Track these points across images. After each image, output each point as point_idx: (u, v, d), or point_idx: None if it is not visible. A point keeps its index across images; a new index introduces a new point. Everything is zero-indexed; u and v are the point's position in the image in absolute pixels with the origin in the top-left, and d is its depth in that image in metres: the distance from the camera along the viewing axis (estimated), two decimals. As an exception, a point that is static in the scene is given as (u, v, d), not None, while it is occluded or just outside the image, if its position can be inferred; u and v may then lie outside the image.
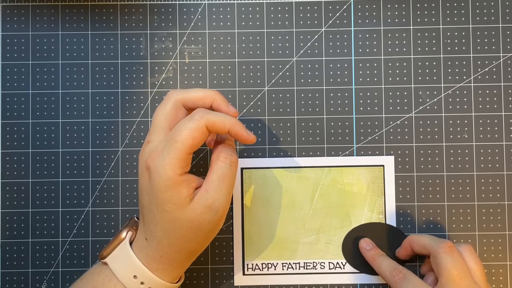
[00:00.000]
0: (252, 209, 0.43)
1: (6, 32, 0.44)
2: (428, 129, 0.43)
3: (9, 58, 0.43)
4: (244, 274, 0.42)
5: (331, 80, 0.43)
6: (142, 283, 0.34)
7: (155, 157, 0.33)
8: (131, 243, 0.35)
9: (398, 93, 0.43)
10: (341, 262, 0.42)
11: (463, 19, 0.44)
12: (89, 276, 0.36)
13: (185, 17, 0.44)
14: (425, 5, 0.44)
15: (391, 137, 0.43)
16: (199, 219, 0.33)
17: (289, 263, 0.42)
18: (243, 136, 0.34)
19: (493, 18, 0.44)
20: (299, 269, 0.42)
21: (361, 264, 0.42)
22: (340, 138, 0.43)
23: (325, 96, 0.43)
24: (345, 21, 0.44)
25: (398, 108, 0.43)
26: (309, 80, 0.43)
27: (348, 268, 0.42)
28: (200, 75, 0.44)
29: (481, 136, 0.43)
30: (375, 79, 0.43)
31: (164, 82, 0.44)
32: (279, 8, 0.44)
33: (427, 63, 0.43)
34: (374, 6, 0.44)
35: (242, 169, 0.43)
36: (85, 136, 0.43)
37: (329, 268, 0.42)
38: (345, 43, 0.44)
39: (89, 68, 0.43)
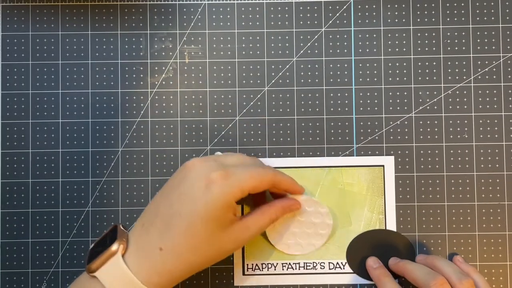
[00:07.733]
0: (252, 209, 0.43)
1: (6, 32, 0.44)
2: (428, 129, 0.43)
3: (9, 58, 0.43)
4: (244, 274, 0.42)
5: (331, 80, 0.43)
6: None
7: (226, 177, 0.34)
8: (122, 256, 0.34)
9: (398, 93, 0.43)
10: (341, 262, 0.42)
11: (463, 19, 0.44)
12: None
13: (185, 17, 0.44)
14: (425, 5, 0.44)
15: (391, 137, 0.43)
16: (226, 246, 0.35)
17: (289, 263, 0.42)
18: (296, 191, 0.39)
19: (493, 18, 0.44)
20: (299, 269, 0.42)
21: (366, 271, 0.42)
22: (340, 138, 0.43)
23: (325, 96, 0.43)
24: (345, 21, 0.44)
25: (398, 108, 0.43)
26: (309, 80, 0.43)
27: (348, 268, 0.42)
28: (200, 75, 0.44)
29: (481, 136, 0.43)
30: (375, 79, 0.43)
31: (164, 82, 0.44)
32: (279, 8, 0.44)
33: (427, 63, 0.43)
34: (374, 6, 0.44)
35: (242, 169, 0.43)
36: (85, 136, 0.43)
37: (329, 268, 0.42)
38: (345, 43, 0.44)
39: (89, 68, 0.43)
